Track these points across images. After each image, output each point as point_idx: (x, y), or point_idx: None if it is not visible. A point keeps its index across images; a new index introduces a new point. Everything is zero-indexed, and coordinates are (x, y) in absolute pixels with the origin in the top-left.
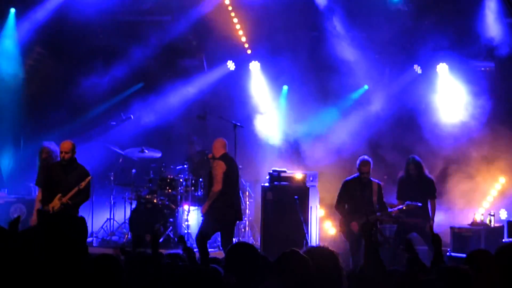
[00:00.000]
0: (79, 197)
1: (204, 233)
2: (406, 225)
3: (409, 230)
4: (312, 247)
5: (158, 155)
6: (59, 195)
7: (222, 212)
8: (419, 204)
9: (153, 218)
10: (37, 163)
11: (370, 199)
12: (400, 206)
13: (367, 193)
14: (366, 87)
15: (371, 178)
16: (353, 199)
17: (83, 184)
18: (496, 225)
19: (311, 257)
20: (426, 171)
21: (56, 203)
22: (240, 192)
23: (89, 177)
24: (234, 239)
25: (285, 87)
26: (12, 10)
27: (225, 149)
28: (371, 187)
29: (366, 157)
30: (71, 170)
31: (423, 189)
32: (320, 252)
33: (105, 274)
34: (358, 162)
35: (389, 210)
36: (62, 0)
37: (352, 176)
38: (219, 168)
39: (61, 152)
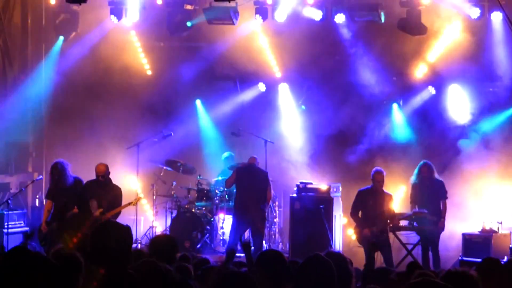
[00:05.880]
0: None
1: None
2: (421, 232)
3: (425, 236)
4: (330, 251)
5: (195, 169)
6: (101, 210)
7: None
8: (425, 211)
9: (192, 226)
10: (50, 178)
11: (381, 208)
12: (408, 214)
13: (378, 203)
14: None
15: (384, 190)
16: (366, 208)
17: (134, 202)
18: (504, 232)
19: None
20: (436, 174)
21: (97, 217)
22: (271, 202)
23: (141, 197)
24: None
25: (303, 107)
26: (61, 38)
27: (251, 161)
28: (383, 197)
29: (379, 168)
30: (108, 189)
31: (435, 191)
32: (336, 256)
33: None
34: (372, 172)
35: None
36: (112, 26)
37: (366, 186)
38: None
39: (97, 174)
